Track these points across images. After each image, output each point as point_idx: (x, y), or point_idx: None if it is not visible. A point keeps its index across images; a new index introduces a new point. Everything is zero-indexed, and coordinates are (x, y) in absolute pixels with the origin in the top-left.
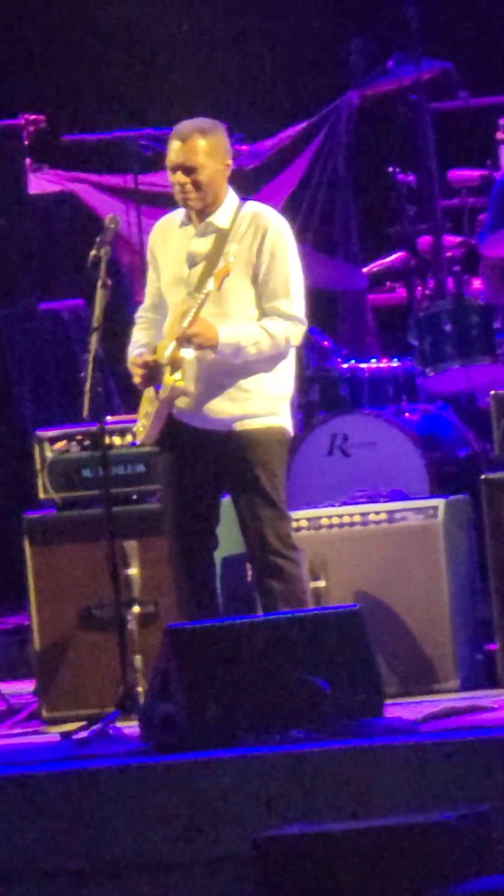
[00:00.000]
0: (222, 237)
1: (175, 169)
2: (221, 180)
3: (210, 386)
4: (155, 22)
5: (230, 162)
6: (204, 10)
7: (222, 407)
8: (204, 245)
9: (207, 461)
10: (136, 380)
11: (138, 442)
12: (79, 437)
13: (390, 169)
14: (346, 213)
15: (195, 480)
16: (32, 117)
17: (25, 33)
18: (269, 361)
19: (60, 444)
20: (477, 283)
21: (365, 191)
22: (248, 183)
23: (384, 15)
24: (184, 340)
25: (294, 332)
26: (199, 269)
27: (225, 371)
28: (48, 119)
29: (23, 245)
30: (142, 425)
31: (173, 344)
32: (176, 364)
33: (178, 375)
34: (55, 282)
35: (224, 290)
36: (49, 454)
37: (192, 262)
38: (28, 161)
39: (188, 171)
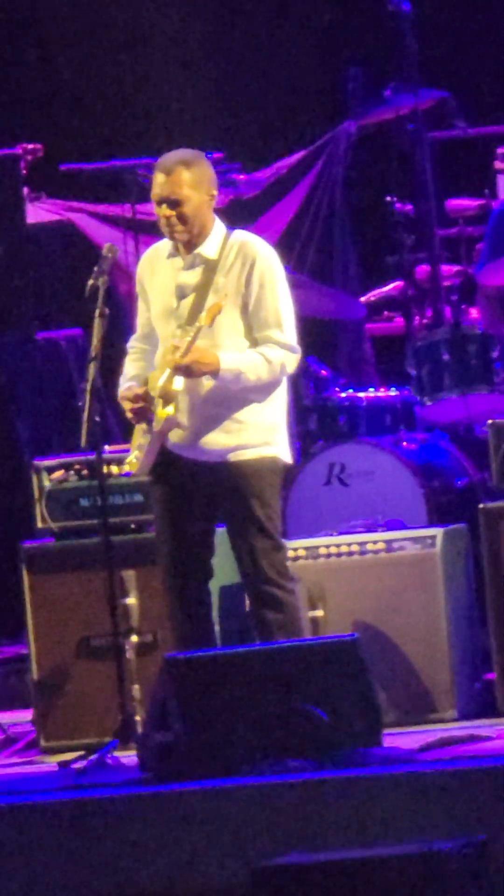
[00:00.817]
0: (211, 268)
1: (160, 202)
2: (207, 211)
3: (203, 418)
4: (152, 51)
5: (215, 192)
6: (201, 40)
7: (216, 438)
8: (192, 277)
9: (201, 492)
10: (128, 415)
11: (131, 473)
12: (77, 467)
13: (388, 198)
14: (343, 242)
15: (189, 511)
16: (30, 146)
17: (23, 62)
18: (261, 392)
19: (58, 474)
20: (474, 313)
21: (363, 220)
22: (246, 212)
23: (381, 44)
24: (181, 371)
25: (289, 359)
26: (189, 301)
27: (218, 402)
28: (46, 148)
29: (21, 274)
30: (135, 457)
31: (166, 375)
32: (168, 396)
33: (170, 408)
34: (53, 311)
35: (214, 322)
36: (47, 483)
37: (181, 294)
38: (26, 190)
39: (173, 204)
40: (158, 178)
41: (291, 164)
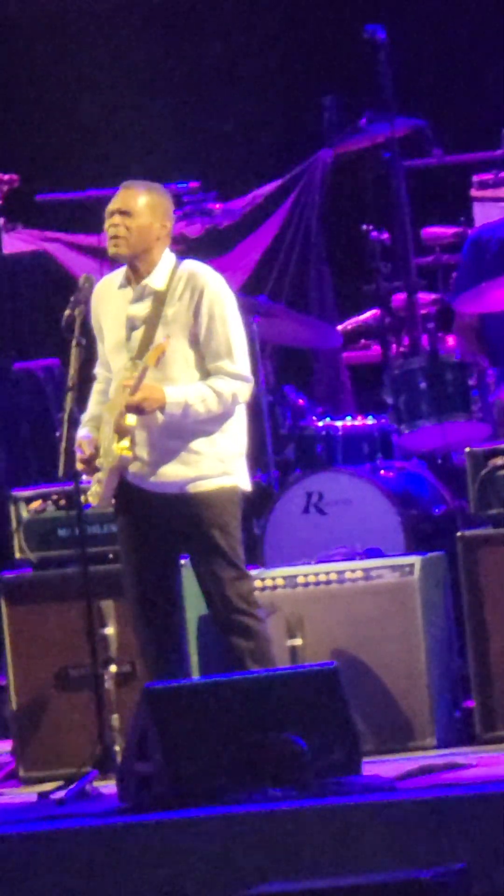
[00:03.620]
0: (159, 299)
1: (111, 214)
2: (155, 239)
3: (161, 451)
4: (127, 81)
5: (169, 226)
6: (177, 70)
7: (174, 470)
8: (142, 309)
9: (163, 523)
10: (79, 466)
11: (92, 504)
12: (54, 497)
13: (364, 227)
14: (319, 270)
15: (152, 543)
16: (6, 177)
17: None
18: (217, 422)
19: (36, 504)
20: (451, 341)
21: (339, 248)
22: (222, 241)
23: (357, 73)
24: (132, 409)
25: (241, 389)
26: (140, 333)
27: (175, 435)
28: (22, 178)
29: None
30: (94, 490)
31: (118, 411)
32: (122, 432)
33: (125, 443)
34: (30, 341)
35: (163, 358)
36: (24, 514)
37: (131, 326)
38: (2, 220)
39: (124, 213)
40: (118, 194)
41: (267, 192)
